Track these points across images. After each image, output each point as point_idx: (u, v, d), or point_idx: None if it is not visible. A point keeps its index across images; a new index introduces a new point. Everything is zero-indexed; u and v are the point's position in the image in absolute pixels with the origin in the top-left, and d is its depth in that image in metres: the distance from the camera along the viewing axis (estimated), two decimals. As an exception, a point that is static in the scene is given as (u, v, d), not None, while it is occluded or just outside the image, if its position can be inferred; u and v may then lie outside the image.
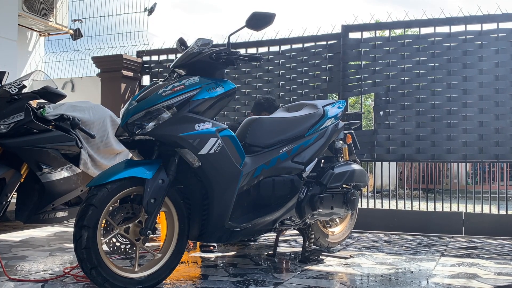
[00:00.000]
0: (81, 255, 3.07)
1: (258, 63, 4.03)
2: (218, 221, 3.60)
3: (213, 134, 3.48)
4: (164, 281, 3.58)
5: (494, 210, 6.78)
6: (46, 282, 3.62)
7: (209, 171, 3.49)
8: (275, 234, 4.85)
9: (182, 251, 3.57)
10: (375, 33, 7.22)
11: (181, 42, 4.15)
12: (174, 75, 3.85)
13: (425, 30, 6.87)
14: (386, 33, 7.20)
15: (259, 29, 3.78)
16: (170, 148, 3.42)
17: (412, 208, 6.97)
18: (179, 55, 3.86)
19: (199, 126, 3.43)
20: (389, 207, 7.06)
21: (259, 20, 3.70)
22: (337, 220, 5.24)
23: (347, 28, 7.09)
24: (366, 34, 7.14)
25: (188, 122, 3.40)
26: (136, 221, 3.33)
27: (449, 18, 6.69)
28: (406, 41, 6.86)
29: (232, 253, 4.97)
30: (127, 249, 3.38)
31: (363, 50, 7.02)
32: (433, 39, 6.73)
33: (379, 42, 7.01)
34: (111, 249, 3.30)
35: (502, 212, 6.65)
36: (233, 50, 3.74)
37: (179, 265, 4.26)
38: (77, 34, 9.67)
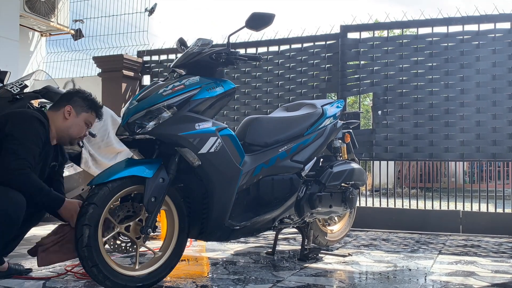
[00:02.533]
0: (82, 253, 3.06)
1: (258, 63, 4.01)
2: (218, 220, 3.60)
3: (213, 133, 3.48)
4: (164, 279, 3.58)
5: (491, 209, 6.78)
6: (47, 279, 3.62)
7: (209, 170, 3.48)
8: (274, 232, 4.85)
9: (182, 249, 3.57)
10: (374, 33, 7.23)
11: (181, 42, 4.15)
12: (174, 75, 3.86)
13: (423, 30, 6.87)
14: (385, 33, 7.19)
15: (259, 30, 3.77)
16: (170, 147, 3.42)
17: (410, 206, 6.97)
18: (179, 55, 3.85)
19: (199, 126, 3.43)
20: (387, 205, 7.07)
21: (258, 21, 3.69)
22: (336, 218, 5.24)
23: (345, 28, 7.08)
24: (365, 34, 7.15)
25: (188, 122, 3.39)
26: (137, 220, 3.33)
27: (446, 19, 6.69)
28: (404, 41, 6.86)
29: (232, 251, 4.97)
30: (128, 247, 3.38)
31: (361, 50, 7.02)
32: (431, 39, 6.73)
33: (377, 42, 7.01)
34: (111, 247, 3.30)
35: (499, 210, 6.64)
36: (233, 50, 3.74)
37: (179, 263, 4.26)
38: (78, 34, 9.67)
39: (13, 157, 3.29)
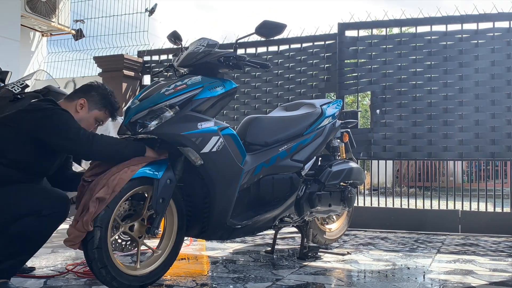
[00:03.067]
0: (92, 255, 3.05)
1: (266, 70, 3.96)
2: (219, 219, 3.60)
3: (215, 132, 3.48)
4: (165, 277, 3.59)
5: (490, 208, 6.78)
6: (48, 278, 3.63)
7: (211, 169, 3.49)
8: (274, 231, 4.86)
9: (180, 247, 3.58)
10: (372, 31, 7.19)
11: (175, 35, 4.12)
12: (175, 73, 3.86)
13: (421, 29, 6.85)
14: (383, 31, 7.17)
15: (269, 37, 3.76)
16: (172, 146, 3.41)
17: (408, 206, 6.96)
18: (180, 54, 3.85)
19: (201, 125, 3.42)
20: (386, 205, 7.06)
21: (269, 29, 3.68)
22: (334, 217, 5.25)
23: (343, 26, 7.05)
24: (363, 33, 7.12)
25: (190, 121, 3.39)
26: (140, 219, 3.34)
27: (445, 17, 6.68)
28: (402, 39, 6.83)
29: (231, 250, 4.98)
30: (128, 246, 3.38)
31: (359, 48, 6.99)
32: (429, 37, 6.71)
33: (375, 40, 6.98)
34: (113, 246, 3.30)
35: (498, 209, 6.64)
36: (241, 55, 3.73)
37: (180, 262, 4.27)
38: (79, 34, 9.68)
39: (75, 137, 3.19)
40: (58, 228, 6.26)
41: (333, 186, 4.59)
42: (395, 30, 7.26)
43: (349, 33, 7.06)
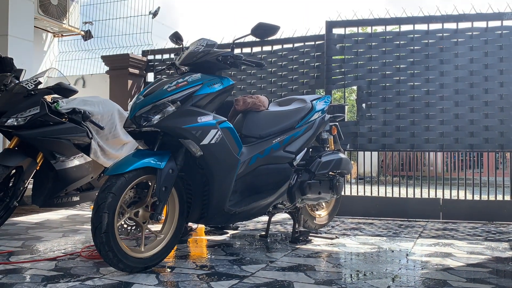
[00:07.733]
0: (101, 239, 3.08)
1: (260, 68, 3.93)
2: (217, 206, 3.62)
3: (213, 126, 3.49)
4: (167, 259, 3.60)
5: (469, 196, 6.79)
6: (59, 260, 3.63)
7: (210, 160, 3.50)
8: (268, 217, 4.86)
9: (181, 232, 3.60)
10: (358, 29, 7.17)
11: (177, 36, 4.13)
12: (177, 71, 3.87)
13: (404, 27, 6.82)
14: (368, 29, 7.15)
15: (263, 38, 3.76)
16: (174, 138, 3.43)
17: (393, 194, 6.96)
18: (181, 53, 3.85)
19: (201, 119, 3.44)
20: (371, 193, 7.07)
21: (264, 30, 3.69)
22: (323, 204, 5.26)
23: (331, 24, 7.01)
24: (349, 31, 7.11)
25: (191, 115, 3.40)
26: (144, 206, 3.36)
27: (427, 17, 6.65)
28: (387, 37, 6.81)
29: (228, 234, 4.99)
30: (133, 230, 3.40)
31: (346, 45, 6.94)
32: (412, 36, 6.67)
33: (361, 38, 6.94)
34: (119, 230, 3.31)
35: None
36: (237, 54, 3.74)
37: (181, 245, 4.28)
38: (87, 35, 9.66)
39: None
40: (69, 214, 6.30)
41: (323, 175, 4.60)
42: (380, 28, 7.21)
43: (336, 30, 7.02)
